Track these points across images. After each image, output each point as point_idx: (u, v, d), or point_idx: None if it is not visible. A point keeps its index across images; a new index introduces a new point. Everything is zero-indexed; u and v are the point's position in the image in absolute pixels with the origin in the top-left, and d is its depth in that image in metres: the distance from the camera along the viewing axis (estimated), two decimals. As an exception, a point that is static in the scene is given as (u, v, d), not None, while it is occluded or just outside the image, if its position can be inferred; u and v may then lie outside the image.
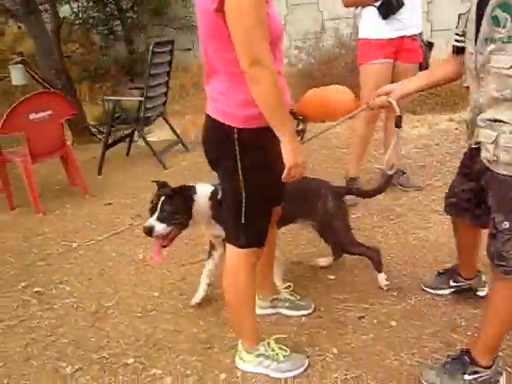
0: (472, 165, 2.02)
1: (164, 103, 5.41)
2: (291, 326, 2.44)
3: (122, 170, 5.15)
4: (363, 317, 2.46)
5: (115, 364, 2.32)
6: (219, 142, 1.87)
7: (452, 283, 2.53)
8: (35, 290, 3.00)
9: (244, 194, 1.86)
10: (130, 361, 2.33)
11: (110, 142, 5.22)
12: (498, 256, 1.82)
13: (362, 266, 2.82)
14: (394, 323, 2.40)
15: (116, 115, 5.00)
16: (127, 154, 5.65)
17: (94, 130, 6.31)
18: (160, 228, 2.25)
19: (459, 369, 1.95)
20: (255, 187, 1.87)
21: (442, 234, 3.11)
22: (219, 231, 2.32)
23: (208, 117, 1.91)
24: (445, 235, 3.04)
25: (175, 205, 2.27)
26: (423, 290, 2.61)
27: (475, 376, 1.93)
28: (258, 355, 2.15)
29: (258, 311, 2.38)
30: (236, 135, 1.80)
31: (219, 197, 2.15)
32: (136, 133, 5.43)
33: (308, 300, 2.57)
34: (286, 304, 2.53)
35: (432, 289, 2.59)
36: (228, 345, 2.35)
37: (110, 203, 4.27)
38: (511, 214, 1.78)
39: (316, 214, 2.56)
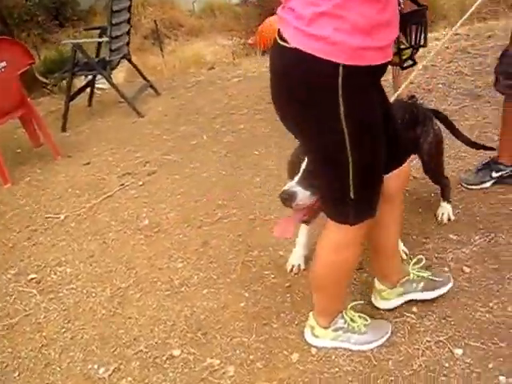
0: None
1: (128, 43, 4.75)
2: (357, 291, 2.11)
3: (90, 123, 4.54)
4: (431, 266, 2.17)
5: (158, 358, 1.94)
6: (311, 86, 1.37)
7: (494, 174, 2.52)
8: (30, 277, 2.52)
9: (351, 158, 1.42)
10: (176, 352, 1.95)
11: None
12: None
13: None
14: (467, 269, 2.12)
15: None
16: (89, 105, 5.00)
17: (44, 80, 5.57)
18: (304, 196, 1.70)
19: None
20: (364, 146, 1.44)
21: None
22: None
23: (287, 49, 1.37)
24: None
25: None
26: (467, 188, 2.57)
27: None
28: (336, 329, 1.82)
29: (387, 304, 1.97)
30: (341, 77, 1.32)
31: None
32: (97, 80, 4.79)
33: (443, 273, 2.05)
34: (421, 284, 1.96)
35: (475, 185, 2.56)
36: (287, 318, 2.02)
37: (89, 162, 3.71)
38: None
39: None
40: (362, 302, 1.97)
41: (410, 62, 1.71)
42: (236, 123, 3.84)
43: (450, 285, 1.96)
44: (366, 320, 1.85)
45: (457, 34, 4.45)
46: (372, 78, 1.42)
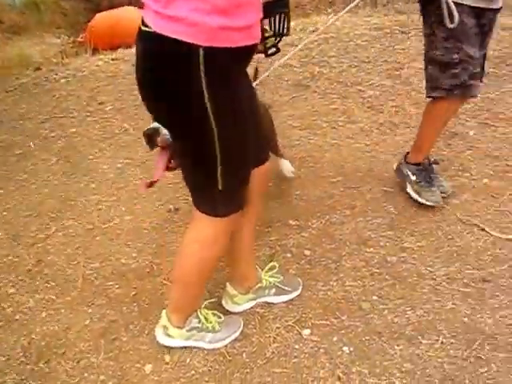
0: None
1: None
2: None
3: None
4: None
5: None
6: (173, 70, 1.30)
7: None
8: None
9: (218, 143, 1.37)
10: None
11: None
12: None
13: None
14: (308, 252, 2.22)
15: None
16: None
17: None
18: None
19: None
20: (232, 133, 1.39)
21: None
22: None
23: (150, 34, 1.30)
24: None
25: None
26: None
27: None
28: (190, 329, 1.78)
29: (237, 308, 1.95)
30: (202, 59, 1.27)
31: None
32: None
33: (294, 278, 2.07)
34: (273, 291, 1.98)
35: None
36: (136, 328, 1.93)
37: None
38: None
39: None
40: (215, 299, 1.95)
41: (273, 50, 1.72)
42: (66, 127, 3.56)
43: (300, 289, 2.02)
44: (220, 317, 1.84)
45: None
46: (237, 61, 1.37)
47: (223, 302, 1.97)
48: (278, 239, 2.29)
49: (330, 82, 3.53)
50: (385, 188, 2.52)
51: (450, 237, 2.23)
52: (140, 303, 2.04)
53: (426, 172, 2.39)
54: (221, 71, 1.32)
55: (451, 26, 2.01)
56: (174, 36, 1.25)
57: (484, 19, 2.11)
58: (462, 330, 1.83)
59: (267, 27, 1.72)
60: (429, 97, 2.25)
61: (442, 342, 1.78)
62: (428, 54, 2.20)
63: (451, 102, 2.21)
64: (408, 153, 2.44)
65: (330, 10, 5.37)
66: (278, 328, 1.87)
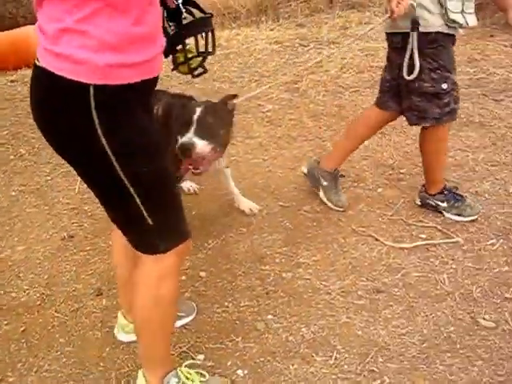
0: None
1: None
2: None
3: None
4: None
5: None
6: (64, 111, 1.20)
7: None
8: None
9: (127, 181, 1.26)
10: None
11: None
12: None
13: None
14: (203, 274, 2.14)
15: None
16: None
17: None
18: (203, 145, 1.83)
19: None
20: (141, 166, 1.28)
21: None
22: None
23: (40, 70, 1.19)
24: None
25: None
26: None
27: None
28: None
29: (130, 338, 1.81)
30: (93, 98, 1.16)
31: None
32: None
33: (188, 303, 1.98)
34: None
35: None
36: (24, 367, 1.77)
37: None
38: None
39: None
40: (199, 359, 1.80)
41: (200, 70, 1.62)
42: None
43: (194, 313, 1.94)
44: (204, 376, 1.66)
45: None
46: (133, 96, 1.25)
47: (115, 332, 1.86)
48: (173, 262, 2.19)
49: (230, 97, 3.51)
50: (281, 203, 2.51)
51: (345, 249, 2.24)
52: (29, 339, 1.88)
53: None
54: (114, 107, 1.22)
55: (409, 78, 2.11)
56: (61, 74, 1.15)
57: None
58: (356, 343, 1.82)
59: (190, 46, 1.64)
60: (415, 124, 2.32)
61: (335, 358, 1.76)
62: (412, 85, 2.18)
63: (440, 128, 2.26)
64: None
65: (234, 25, 5.39)
66: (171, 355, 1.77)
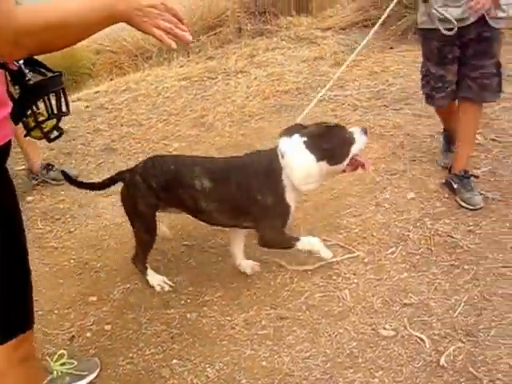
0: None
1: None
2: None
3: None
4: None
5: None
6: None
7: None
8: None
9: None
10: None
11: None
12: None
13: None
14: (108, 327, 2.11)
15: None
16: None
17: None
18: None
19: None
20: None
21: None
22: None
23: None
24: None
25: None
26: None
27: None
28: None
29: None
30: None
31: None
32: None
33: (91, 360, 1.94)
34: (67, 379, 1.84)
35: None
36: None
37: None
38: None
39: None
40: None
41: (56, 134, 1.55)
42: None
43: (98, 370, 1.90)
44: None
45: (97, 92, 4.60)
46: None
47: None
48: (77, 320, 2.16)
49: (138, 141, 3.52)
50: (186, 242, 2.52)
51: (249, 280, 2.26)
52: None
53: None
54: None
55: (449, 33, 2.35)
56: None
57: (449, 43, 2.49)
58: (260, 375, 1.83)
59: (42, 111, 1.57)
60: None
61: (240, 394, 1.77)
62: None
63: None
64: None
65: (146, 65, 5.42)
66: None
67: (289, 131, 2.09)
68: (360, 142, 2.06)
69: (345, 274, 2.27)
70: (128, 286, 2.30)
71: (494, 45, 2.47)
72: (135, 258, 2.27)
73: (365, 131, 2.09)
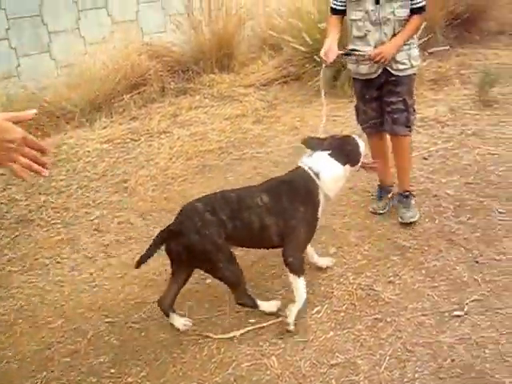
0: None
1: None
2: None
3: None
4: None
5: None
6: None
7: None
8: None
9: None
10: None
11: None
12: None
13: None
14: None
15: None
16: None
17: None
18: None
19: None
20: None
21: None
22: None
23: None
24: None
25: None
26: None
27: None
28: None
29: None
30: None
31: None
32: None
33: None
34: None
35: None
36: None
37: None
38: None
39: None
40: None
41: None
42: None
43: None
44: None
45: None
46: None
47: None
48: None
49: (56, 211, 3.39)
50: (108, 319, 2.42)
51: (174, 355, 2.19)
52: None
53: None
54: None
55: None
56: None
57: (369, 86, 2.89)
58: None
59: None
60: None
61: None
62: None
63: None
64: None
65: (68, 127, 5.30)
66: None
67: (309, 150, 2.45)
68: (362, 144, 2.49)
69: (271, 339, 2.25)
70: (44, 373, 2.15)
71: (399, 86, 2.84)
72: (237, 297, 2.27)
73: (359, 136, 2.55)
